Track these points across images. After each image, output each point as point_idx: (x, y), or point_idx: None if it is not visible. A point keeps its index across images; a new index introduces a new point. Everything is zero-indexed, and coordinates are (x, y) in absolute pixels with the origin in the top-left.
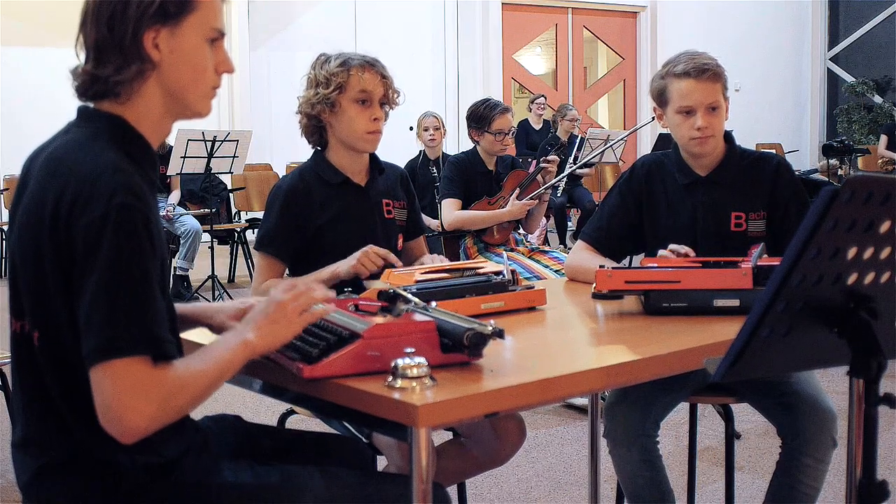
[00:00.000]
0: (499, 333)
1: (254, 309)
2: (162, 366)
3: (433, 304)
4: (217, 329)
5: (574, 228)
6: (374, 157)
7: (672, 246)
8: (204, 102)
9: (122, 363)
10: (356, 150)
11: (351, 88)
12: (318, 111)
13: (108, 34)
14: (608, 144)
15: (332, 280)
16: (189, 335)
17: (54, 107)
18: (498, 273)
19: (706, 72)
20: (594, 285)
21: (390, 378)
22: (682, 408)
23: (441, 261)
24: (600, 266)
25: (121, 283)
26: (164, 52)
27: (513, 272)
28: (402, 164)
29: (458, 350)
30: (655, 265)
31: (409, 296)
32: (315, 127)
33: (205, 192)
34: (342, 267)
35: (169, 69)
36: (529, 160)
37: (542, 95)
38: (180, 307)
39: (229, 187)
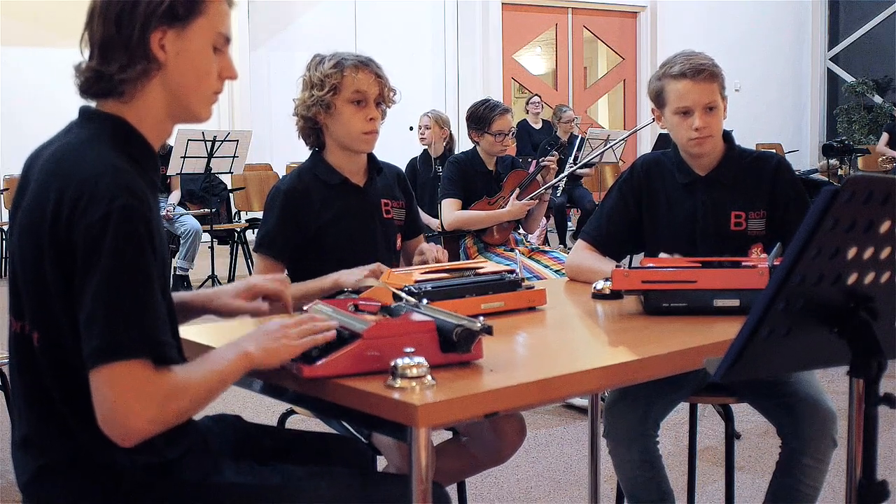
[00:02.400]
0: (487, 330)
1: (258, 326)
2: (162, 369)
3: (424, 301)
4: (219, 311)
5: (574, 228)
6: (371, 158)
7: (663, 255)
8: (205, 107)
9: (122, 366)
10: (353, 151)
11: (345, 89)
12: (313, 113)
13: (116, 32)
14: (608, 145)
15: (333, 289)
16: (189, 335)
17: (54, 107)
18: (510, 272)
19: (702, 72)
20: (594, 285)
21: (390, 378)
22: (682, 408)
23: (438, 251)
24: (616, 266)
25: (121, 285)
26: (169, 54)
27: (513, 272)
28: (401, 164)
29: (452, 348)
30: (652, 265)
31: (402, 294)
32: (311, 129)
33: (205, 192)
34: (346, 278)
35: (173, 71)
36: (529, 160)
37: (537, 95)
38: (180, 296)
39: (229, 187)
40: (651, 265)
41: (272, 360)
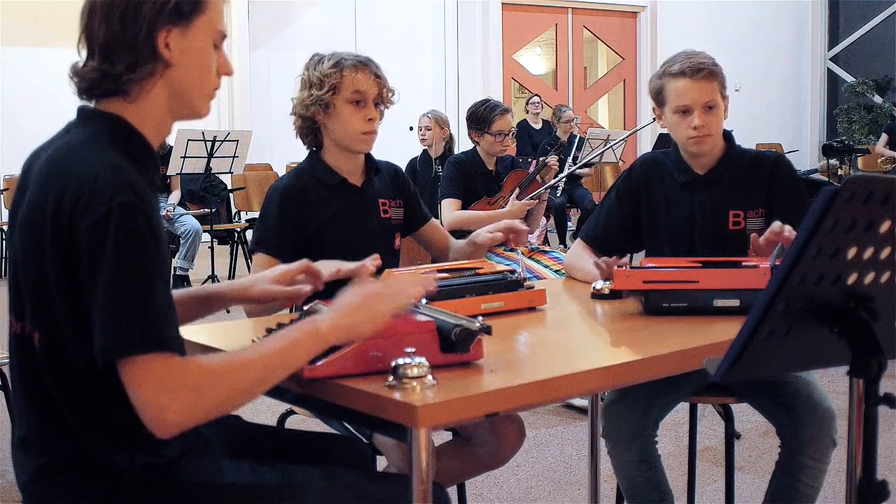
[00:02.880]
0: (486, 329)
1: (341, 295)
2: (186, 358)
3: (424, 301)
4: (257, 300)
5: (574, 228)
6: (369, 157)
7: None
8: (206, 103)
9: (138, 361)
10: (351, 151)
11: (344, 89)
12: (312, 112)
13: (121, 31)
14: (608, 145)
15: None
16: (188, 335)
17: (54, 107)
18: (511, 272)
19: (702, 70)
20: (594, 285)
21: (390, 378)
22: (682, 408)
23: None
24: (618, 266)
25: (125, 282)
26: (174, 52)
27: (512, 272)
28: (401, 164)
29: (451, 348)
30: (653, 265)
31: None
32: (310, 128)
33: (205, 192)
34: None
35: (178, 69)
36: (529, 160)
37: (536, 95)
38: (212, 287)
39: (229, 187)
40: (652, 265)
41: (348, 335)
